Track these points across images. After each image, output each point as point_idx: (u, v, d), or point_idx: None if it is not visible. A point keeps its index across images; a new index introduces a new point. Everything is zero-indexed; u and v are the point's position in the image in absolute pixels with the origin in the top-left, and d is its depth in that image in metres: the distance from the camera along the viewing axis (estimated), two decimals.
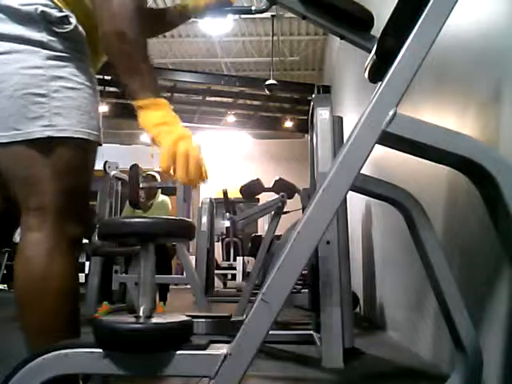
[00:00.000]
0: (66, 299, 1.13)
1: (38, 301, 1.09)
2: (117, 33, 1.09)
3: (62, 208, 1.12)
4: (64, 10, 1.15)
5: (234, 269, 7.74)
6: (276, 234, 3.96)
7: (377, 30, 1.30)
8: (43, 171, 1.10)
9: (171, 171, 1.12)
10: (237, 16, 6.57)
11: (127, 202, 4.40)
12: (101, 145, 1.23)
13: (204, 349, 1.07)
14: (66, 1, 1.16)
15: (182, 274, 4.73)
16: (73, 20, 1.16)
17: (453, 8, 1.05)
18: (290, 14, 6.93)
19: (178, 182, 1.12)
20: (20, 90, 1.08)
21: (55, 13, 1.13)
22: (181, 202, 4.50)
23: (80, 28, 1.18)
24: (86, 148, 1.18)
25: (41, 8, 1.10)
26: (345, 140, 1.26)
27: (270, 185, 4.07)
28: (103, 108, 8.58)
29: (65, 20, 1.14)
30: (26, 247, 1.10)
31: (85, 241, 6.08)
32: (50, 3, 1.13)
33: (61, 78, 1.12)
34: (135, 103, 1.13)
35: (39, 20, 1.11)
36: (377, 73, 1.18)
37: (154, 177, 4.75)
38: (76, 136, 1.13)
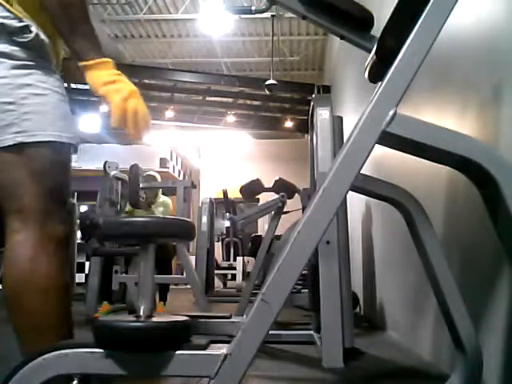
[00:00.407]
0: (53, 298, 1.14)
1: (26, 301, 1.11)
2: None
3: (41, 209, 1.15)
4: (24, 19, 1.17)
5: (234, 269, 7.74)
6: (276, 233, 3.96)
7: (377, 30, 1.30)
8: (20, 175, 1.14)
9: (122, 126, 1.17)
10: (237, 16, 6.57)
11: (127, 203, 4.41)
12: (75, 145, 1.24)
13: (204, 349, 1.07)
14: (26, 10, 1.19)
15: (182, 274, 4.73)
16: (33, 29, 1.18)
17: (453, 8, 1.05)
18: (289, 14, 6.93)
19: (128, 137, 1.15)
20: (5, 99, 1.12)
21: (15, 23, 1.16)
22: (181, 202, 4.50)
23: (42, 35, 1.21)
24: (59, 149, 1.19)
25: (0, 20, 1.14)
26: (345, 140, 1.26)
27: (270, 185, 4.08)
28: (103, 108, 8.57)
29: (25, 30, 1.17)
30: (11, 249, 1.12)
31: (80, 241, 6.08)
32: (9, 15, 1.16)
33: (27, 85, 1.16)
34: (82, 64, 1.17)
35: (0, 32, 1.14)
36: (377, 73, 1.18)
37: (154, 177, 4.75)
38: (47, 140, 1.16)
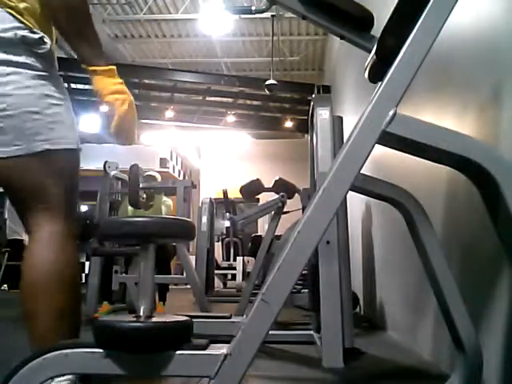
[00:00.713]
0: (76, 286, 1.25)
1: (58, 287, 1.19)
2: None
3: (65, 207, 1.26)
4: (36, 30, 1.24)
5: (234, 269, 7.74)
6: (276, 234, 3.96)
7: (377, 30, 1.30)
8: (47, 178, 1.24)
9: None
10: (237, 16, 6.57)
11: (125, 202, 4.40)
12: (81, 150, 1.35)
13: (204, 349, 1.07)
14: (37, 22, 1.25)
15: (182, 274, 4.73)
16: (47, 40, 1.25)
17: (453, 8, 1.05)
18: (290, 14, 6.93)
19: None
20: (18, 109, 1.20)
21: (32, 35, 1.22)
22: (181, 202, 4.50)
23: (52, 46, 1.28)
24: (74, 155, 1.31)
25: (20, 32, 1.20)
26: (345, 140, 1.26)
27: (270, 185, 4.07)
28: (103, 108, 8.57)
29: (41, 41, 1.24)
30: (40, 242, 1.21)
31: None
32: (23, 26, 1.22)
33: (46, 95, 1.24)
34: (90, 69, 1.29)
35: (19, 43, 1.20)
36: (377, 73, 1.18)
37: (154, 177, 4.74)
38: (67, 147, 1.27)
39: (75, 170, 1.32)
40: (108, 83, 1.29)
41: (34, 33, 1.23)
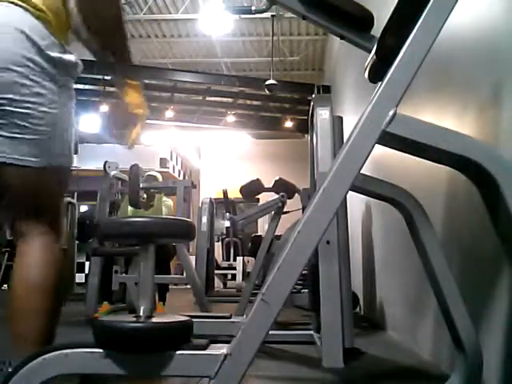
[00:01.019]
0: (62, 287, 1.29)
1: (55, 286, 1.23)
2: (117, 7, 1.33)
3: (59, 217, 1.34)
4: (69, 50, 1.31)
5: (234, 269, 7.74)
6: (276, 233, 3.96)
7: (377, 30, 1.30)
8: (55, 189, 1.32)
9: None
10: (237, 16, 6.57)
11: (124, 202, 4.40)
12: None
13: (204, 349, 1.07)
14: (63, 35, 1.30)
15: (182, 274, 4.73)
16: (78, 61, 1.33)
17: (453, 8, 1.05)
18: (290, 14, 6.93)
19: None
20: (64, 126, 1.28)
21: (71, 58, 1.29)
22: (181, 202, 4.50)
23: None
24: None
25: (63, 56, 1.26)
26: (345, 140, 1.26)
27: (270, 185, 4.07)
28: (103, 108, 8.57)
29: (77, 64, 1.32)
30: (34, 246, 1.23)
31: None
32: (58, 43, 1.26)
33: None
34: (127, 81, 1.46)
35: (71, 67, 1.30)
36: (377, 73, 1.18)
37: (154, 177, 4.74)
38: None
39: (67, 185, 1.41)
40: (137, 97, 1.47)
41: (71, 54, 1.30)
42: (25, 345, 1.15)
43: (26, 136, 1.19)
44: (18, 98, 1.16)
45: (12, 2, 1.17)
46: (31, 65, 1.18)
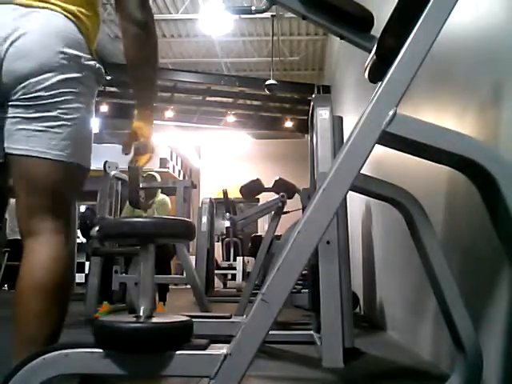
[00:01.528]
0: (69, 287, 1.32)
1: (63, 286, 1.23)
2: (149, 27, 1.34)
3: (71, 216, 1.30)
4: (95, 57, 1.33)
5: (234, 269, 7.75)
6: (276, 233, 3.96)
7: (377, 30, 1.30)
8: (75, 187, 1.31)
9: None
10: (237, 16, 6.57)
11: (127, 202, 4.40)
12: None
13: (204, 349, 1.07)
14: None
15: (182, 274, 4.73)
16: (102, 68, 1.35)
17: (453, 8, 1.05)
18: (290, 14, 6.93)
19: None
20: (90, 128, 1.33)
21: (99, 65, 1.32)
22: (181, 202, 4.50)
23: None
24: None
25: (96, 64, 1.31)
26: (345, 140, 1.26)
27: (270, 185, 4.07)
28: (103, 108, 8.58)
29: (103, 71, 1.34)
30: (54, 248, 1.22)
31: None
32: (88, 52, 1.30)
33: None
34: (145, 110, 1.53)
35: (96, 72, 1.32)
36: (377, 73, 1.18)
37: (154, 177, 4.74)
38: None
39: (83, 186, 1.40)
40: (149, 127, 1.57)
41: (97, 62, 1.32)
42: (27, 344, 1.13)
43: (58, 130, 1.21)
44: (57, 95, 1.21)
45: (54, 10, 1.23)
46: (65, 65, 1.23)
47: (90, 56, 1.29)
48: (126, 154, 1.55)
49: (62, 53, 1.20)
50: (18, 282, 1.19)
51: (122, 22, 1.31)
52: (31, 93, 1.18)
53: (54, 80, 1.19)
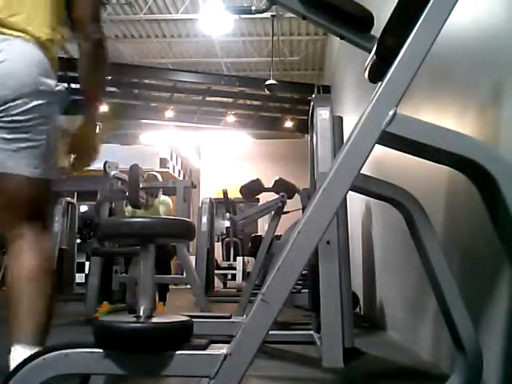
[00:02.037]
0: (54, 283, 1.41)
1: (50, 279, 1.35)
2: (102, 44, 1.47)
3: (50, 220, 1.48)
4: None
5: (234, 269, 7.75)
6: (276, 233, 3.96)
7: (377, 30, 1.30)
8: (43, 199, 1.43)
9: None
10: (237, 16, 6.57)
11: (123, 203, 4.40)
12: None
13: (204, 349, 1.07)
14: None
15: (182, 274, 4.73)
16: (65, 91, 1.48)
17: (453, 8, 1.05)
18: (290, 14, 6.92)
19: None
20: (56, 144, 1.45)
21: (63, 89, 1.46)
22: (181, 202, 4.50)
23: None
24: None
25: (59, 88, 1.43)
26: (345, 140, 1.26)
27: (270, 185, 4.07)
28: (103, 108, 8.57)
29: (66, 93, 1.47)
30: (42, 245, 1.37)
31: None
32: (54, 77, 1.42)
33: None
34: (91, 118, 1.54)
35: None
36: (377, 73, 1.18)
37: (154, 176, 4.74)
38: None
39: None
40: (94, 131, 1.56)
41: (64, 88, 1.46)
42: (20, 331, 1.22)
43: (32, 150, 1.35)
44: (32, 119, 1.35)
45: (26, 39, 1.35)
46: (40, 91, 1.36)
47: (56, 82, 1.41)
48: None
49: (38, 81, 1.34)
50: (8, 278, 1.31)
51: (80, 41, 1.44)
52: (11, 115, 1.31)
53: (30, 105, 1.33)
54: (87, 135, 1.54)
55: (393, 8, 1.11)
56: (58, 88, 1.41)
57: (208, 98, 8.67)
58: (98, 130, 1.58)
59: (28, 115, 1.32)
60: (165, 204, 4.72)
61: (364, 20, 1.44)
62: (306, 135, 9.23)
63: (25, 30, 1.35)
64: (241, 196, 4.28)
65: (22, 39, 1.34)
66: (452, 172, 1.22)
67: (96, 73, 1.49)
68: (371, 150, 1.05)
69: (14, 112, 1.31)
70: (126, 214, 4.46)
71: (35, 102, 1.33)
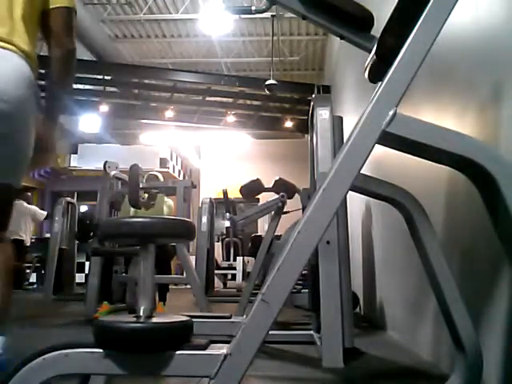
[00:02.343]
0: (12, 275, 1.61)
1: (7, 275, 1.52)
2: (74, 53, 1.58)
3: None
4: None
5: (234, 269, 7.74)
6: (276, 233, 3.96)
7: (377, 30, 1.30)
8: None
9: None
10: (237, 16, 6.57)
11: (125, 202, 4.40)
12: None
13: (204, 349, 1.07)
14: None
15: (182, 274, 4.73)
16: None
17: (453, 8, 1.05)
18: (290, 14, 6.92)
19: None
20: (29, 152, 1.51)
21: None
22: (181, 202, 4.50)
23: None
24: None
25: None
26: (345, 140, 1.26)
27: (270, 185, 4.07)
28: (103, 108, 8.58)
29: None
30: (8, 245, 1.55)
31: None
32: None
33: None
34: (55, 121, 1.62)
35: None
36: (377, 73, 1.18)
37: (155, 176, 4.74)
38: None
39: None
40: (53, 133, 1.62)
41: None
42: None
43: (15, 158, 1.42)
44: (17, 129, 1.42)
45: (15, 52, 1.42)
46: (32, 105, 1.45)
47: (38, 89, 1.49)
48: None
49: (27, 93, 1.41)
50: None
51: (53, 48, 1.53)
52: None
53: (20, 115, 1.39)
54: (47, 135, 1.58)
55: (393, 8, 1.11)
56: (39, 95, 1.49)
57: (208, 98, 8.67)
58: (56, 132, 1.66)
59: (16, 125, 1.38)
60: (168, 205, 4.73)
61: (364, 20, 1.44)
62: (306, 135, 9.23)
63: (13, 43, 1.40)
64: (241, 196, 4.28)
65: (10, 51, 1.40)
66: (452, 172, 1.22)
67: (65, 78, 1.58)
68: (371, 150, 1.05)
69: (4, 123, 1.36)
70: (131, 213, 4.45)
71: (24, 113, 1.40)
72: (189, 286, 4.35)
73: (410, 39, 1.05)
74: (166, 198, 4.78)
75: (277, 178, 4.10)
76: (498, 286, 1.49)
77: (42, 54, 1.70)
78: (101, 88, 8.37)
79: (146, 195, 4.55)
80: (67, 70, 1.57)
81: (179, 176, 12.31)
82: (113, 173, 4.18)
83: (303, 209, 3.58)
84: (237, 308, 3.68)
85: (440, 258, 1.20)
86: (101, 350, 1.06)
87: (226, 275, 8.24)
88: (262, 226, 8.84)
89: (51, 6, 1.53)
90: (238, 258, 7.81)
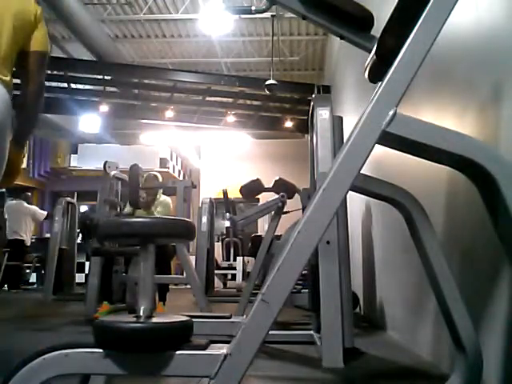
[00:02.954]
0: None
1: None
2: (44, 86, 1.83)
3: None
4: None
5: (234, 269, 7.74)
6: (276, 233, 3.96)
7: (377, 30, 1.30)
8: None
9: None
10: (237, 16, 6.57)
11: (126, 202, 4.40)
12: None
13: (204, 349, 1.07)
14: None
15: (182, 274, 4.73)
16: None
17: (453, 8, 1.05)
18: (290, 14, 6.92)
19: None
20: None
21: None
22: (181, 202, 4.50)
23: None
24: None
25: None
26: (345, 140, 1.26)
27: (270, 185, 4.07)
28: (103, 108, 8.58)
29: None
30: None
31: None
32: None
33: None
34: (24, 145, 1.84)
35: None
36: (377, 73, 1.18)
37: (155, 176, 4.74)
38: None
39: None
40: (22, 157, 1.83)
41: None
42: None
43: None
44: None
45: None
46: (8, 130, 1.67)
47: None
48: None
49: (5, 113, 1.60)
50: None
51: (29, 83, 1.77)
52: None
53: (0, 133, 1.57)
54: (15, 159, 1.74)
55: (393, 8, 1.11)
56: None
57: (208, 98, 8.66)
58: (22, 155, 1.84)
59: None
60: (164, 204, 4.71)
61: (364, 20, 1.44)
62: (306, 135, 9.23)
63: None
64: (241, 196, 4.28)
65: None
66: (452, 172, 1.22)
67: (37, 106, 1.81)
68: (371, 150, 1.05)
69: None
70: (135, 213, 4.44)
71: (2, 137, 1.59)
72: (189, 286, 4.35)
73: (410, 39, 1.05)
74: (162, 197, 4.75)
75: (277, 178, 4.10)
76: (498, 286, 1.49)
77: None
78: (101, 88, 8.36)
79: (145, 195, 4.55)
80: (39, 99, 1.82)
81: (179, 176, 12.31)
82: (113, 173, 4.18)
83: (303, 209, 3.58)
84: (237, 308, 3.68)
85: (440, 258, 1.20)
86: (101, 350, 1.06)
87: (225, 275, 8.24)
88: (262, 226, 8.84)
89: (31, 49, 1.79)
90: (237, 258, 7.81)
